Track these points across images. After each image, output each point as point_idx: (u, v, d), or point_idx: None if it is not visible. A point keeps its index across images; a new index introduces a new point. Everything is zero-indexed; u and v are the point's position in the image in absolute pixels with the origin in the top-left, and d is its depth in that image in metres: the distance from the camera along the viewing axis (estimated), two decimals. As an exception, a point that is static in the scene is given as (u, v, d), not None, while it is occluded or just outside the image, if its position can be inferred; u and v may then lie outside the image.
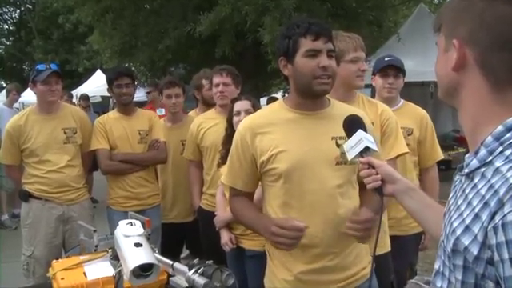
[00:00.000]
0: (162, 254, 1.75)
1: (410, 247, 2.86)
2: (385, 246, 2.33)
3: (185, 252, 3.95)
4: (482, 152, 0.88)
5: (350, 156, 1.59)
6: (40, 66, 3.41)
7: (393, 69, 2.91)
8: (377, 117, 2.27)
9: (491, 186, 0.82)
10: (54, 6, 10.00)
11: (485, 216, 0.81)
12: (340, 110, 1.87)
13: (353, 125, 1.65)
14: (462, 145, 8.72)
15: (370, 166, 1.48)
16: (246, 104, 2.72)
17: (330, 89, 1.83)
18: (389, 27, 9.55)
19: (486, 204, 0.81)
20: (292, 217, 1.80)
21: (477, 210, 0.83)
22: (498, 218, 0.78)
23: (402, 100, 3.00)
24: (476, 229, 0.82)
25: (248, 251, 2.63)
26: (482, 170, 0.87)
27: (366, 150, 1.54)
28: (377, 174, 1.46)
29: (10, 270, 4.12)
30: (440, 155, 2.96)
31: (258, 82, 8.23)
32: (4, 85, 20.50)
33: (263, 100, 9.27)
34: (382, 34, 8.95)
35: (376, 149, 1.59)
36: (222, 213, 2.71)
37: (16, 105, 9.31)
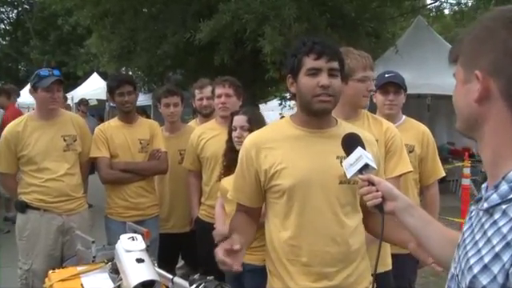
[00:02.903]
0: (158, 264, 1.75)
1: (409, 265, 2.82)
2: (386, 265, 2.32)
3: (180, 262, 3.92)
4: (504, 187, 0.85)
5: (349, 174, 1.57)
6: (42, 72, 3.27)
7: (393, 85, 2.90)
8: (381, 134, 2.26)
9: None
10: (53, 7, 9.93)
11: (506, 257, 0.78)
12: (346, 130, 1.84)
13: (352, 142, 1.63)
14: (457, 158, 8.76)
15: (370, 183, 1.47)
16: (242, 120, 2.69)
17: (332, 107, 1.83)
18: (387, 39, 9.59)
19: (508, 245, 0.79)
20: (293, 235, 1.79)
21: (497, 249, 0.80)
22: None
23: (404, 116, 2.97)
24: (496, 269, 0.80)
25: (247, 265, 2.60)
26: (504, 206, 0.83)
27: (366, 167, 1.53)
28: (377, 191, 1.45)
29: (9, 273, 4.05)
30: (441, 173, 2.94)
31: (255, 90, 8.24)
32: (-1, 85, 20.32)
33: (262, 107, 9.28)
34: (380, 45, 8.99)
35: (375, 166, 1.58)
36: (221, 226, 2.70)
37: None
